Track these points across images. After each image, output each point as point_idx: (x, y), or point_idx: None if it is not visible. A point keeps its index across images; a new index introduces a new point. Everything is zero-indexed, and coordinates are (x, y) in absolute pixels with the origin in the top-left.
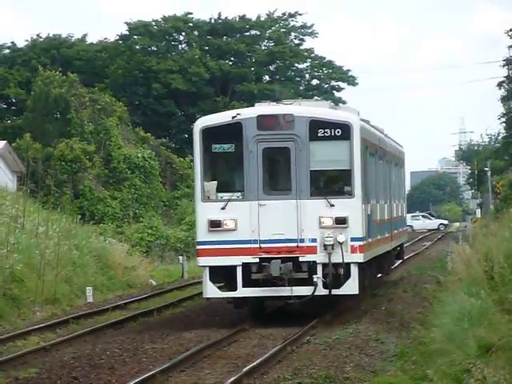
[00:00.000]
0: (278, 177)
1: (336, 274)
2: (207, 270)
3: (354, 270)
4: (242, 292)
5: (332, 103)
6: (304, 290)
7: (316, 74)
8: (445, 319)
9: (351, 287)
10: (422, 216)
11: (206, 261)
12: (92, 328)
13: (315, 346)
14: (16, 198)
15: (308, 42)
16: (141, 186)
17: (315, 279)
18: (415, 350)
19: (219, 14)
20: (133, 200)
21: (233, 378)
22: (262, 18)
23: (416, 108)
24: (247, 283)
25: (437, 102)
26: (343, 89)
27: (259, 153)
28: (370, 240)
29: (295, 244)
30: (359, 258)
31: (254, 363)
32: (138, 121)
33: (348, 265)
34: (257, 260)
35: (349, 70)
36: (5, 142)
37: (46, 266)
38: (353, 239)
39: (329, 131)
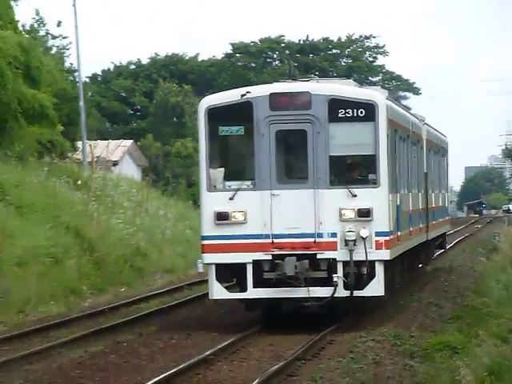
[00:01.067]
0: (293, 163)
1: (359, 273)
2: (213, 267)
3: (380, 269)
4: (252, 293)
5: (355, 82)
6: (322, 291)
7: (387, 85)
8: (495, 288)
9: (376, 288)
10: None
11: (212, 258)
12: (202, 293)
13: (386, 309)
14: (141, 187)
15: (380, 59)
16: None
17: (335, 279)
18: (469, 314)
19: (307, 36)
20: None
21: None
22: (343, 39)
23: (470, 113)
24: (258, 283)
25: (488, 108)
26: (409, 98)
27: (272, 136)
28: (398, 234)
29: (312, 239)
30: (385, 255)
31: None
32: None
33: (372, 263)
34: (269, 257)
35: (414, 82)
36: (131, 141)
37: (165, 242)
38: (378, 234)
39: (350, 111)
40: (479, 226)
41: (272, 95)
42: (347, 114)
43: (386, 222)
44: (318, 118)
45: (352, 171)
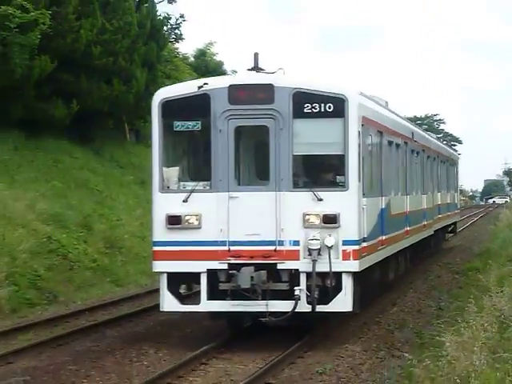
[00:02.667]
0: (253, 163)
1: (323, 285)
2: (165, 276)
3: (347, 282)
4: (206, 306)
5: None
6: (282, 306)
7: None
8: (498, 239)
9: (342, 303)
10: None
11: (163, 265)
12: None
13: (443, 252)
14: None
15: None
16: None
17: (297, 292)
18: (484, 252)
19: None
20: None
21: None
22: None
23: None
24: (214, 295)
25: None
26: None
27: (230, 132)
28: (376, 240)
29: (273, 247)
30: (353, 266)
31: None
32: None
33: (339, 275)
34: (225, 266)
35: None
36: None
37: None
38: (345, 242)
39: (318, 106)
40: (491, 209)
41: (231, 87)
42: (314, 110)
43: (355, 230)
44: (281, 114)
45: (318, 172)
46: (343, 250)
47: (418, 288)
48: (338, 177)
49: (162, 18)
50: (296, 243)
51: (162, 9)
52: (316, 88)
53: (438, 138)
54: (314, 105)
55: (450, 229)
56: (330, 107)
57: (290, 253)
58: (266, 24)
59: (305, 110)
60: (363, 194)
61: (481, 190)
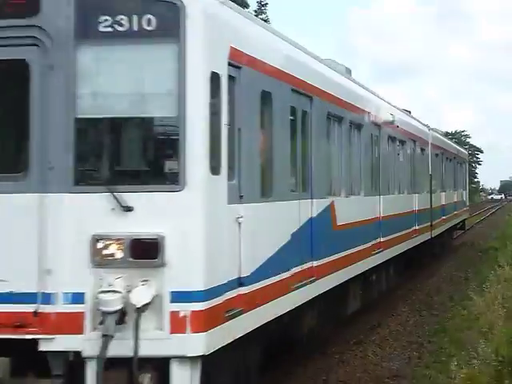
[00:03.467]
0: None
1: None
2: None
3: (180, 376)
4: None
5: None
6: None
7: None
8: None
9: None
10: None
11: None
12: None
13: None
14: None
15: None
16: None
17: None
18: (500, 234)
19: None
20: None
21: None
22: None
23: None
24: None
25: None
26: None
27: None
28: (287, 274)
29: (31, 308)
30: (194, 345)
31: None
32: None
33: (161, 363)
34: None
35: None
36: None
37: None
38: (178, 297)
39: (125, 19)
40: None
41: None
42: (118, 26)
43: (201, 269)
44: (50, 35)
45: (126, 155)
46: (172, 314)
47: (450, 262)
48: (166, 162)
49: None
50: (77, 298)
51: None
52: None
53: (446, 135)
54: (117, 17)
55: (458, 226)
56: (149, 22)
57: (64, 319)
58: None
59: (100, 28)
60: (240, 196)
61: (498, 189)
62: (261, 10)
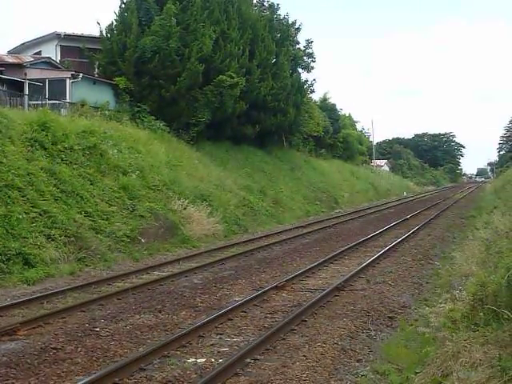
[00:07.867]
0: None
1: None
2: None
3: None
4: None
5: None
6: None
7: None
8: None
9: None
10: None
11: None
12: None
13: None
14: None
15: None
16: None
17: None
18: (478, 207)
19: None
20: None
21: None
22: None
23: None
24: None
25: None
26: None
27: None
28: None
29: None
30: None
31: None
32: None
33: None
34: None
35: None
36: None
37: None
38: None
39: None
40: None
41: None
42: None
43: None
44: None
45: None
46: None
47: (441, 226)
48: None
49: (303, 80)
50: None
51: (304, 75)
52: None
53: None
54: None
55: None
56: None
57: None
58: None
59: None
60: None
61: (475, 173)
62: (308, 46)
